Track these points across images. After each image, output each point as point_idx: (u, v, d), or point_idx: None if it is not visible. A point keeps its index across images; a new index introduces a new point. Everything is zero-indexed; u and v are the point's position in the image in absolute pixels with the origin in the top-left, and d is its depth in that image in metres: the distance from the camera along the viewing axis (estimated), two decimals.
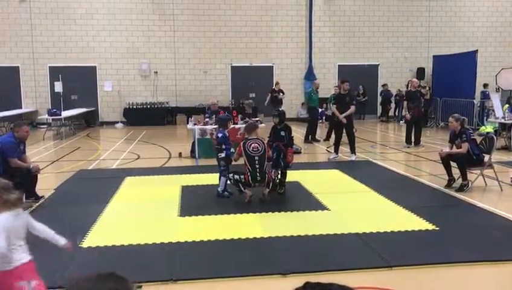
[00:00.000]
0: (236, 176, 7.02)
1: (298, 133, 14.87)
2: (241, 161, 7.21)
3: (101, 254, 5.05)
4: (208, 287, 4.30)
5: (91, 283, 1.45)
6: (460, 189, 7.64)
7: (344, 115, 10.67)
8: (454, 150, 7.79)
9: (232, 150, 7.68)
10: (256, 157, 6.91)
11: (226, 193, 7.36)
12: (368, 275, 4.34)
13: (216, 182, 7.58)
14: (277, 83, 18.19)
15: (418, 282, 4.41)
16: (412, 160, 11.10)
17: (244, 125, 11.15)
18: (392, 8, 21.24)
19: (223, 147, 7.40)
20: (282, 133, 7.59)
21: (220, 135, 7.58)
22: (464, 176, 7.70)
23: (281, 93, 17.44)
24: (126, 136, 16.12)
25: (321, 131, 15.98)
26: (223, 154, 7.36)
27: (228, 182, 7.22)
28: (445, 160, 7.85)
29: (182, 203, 7.02)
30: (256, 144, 7.01)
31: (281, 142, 7.54)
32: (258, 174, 6.90)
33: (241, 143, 7.16)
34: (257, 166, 6.89)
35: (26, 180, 6.82)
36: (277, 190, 7.47)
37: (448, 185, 7.85)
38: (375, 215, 6.38)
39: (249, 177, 6.92)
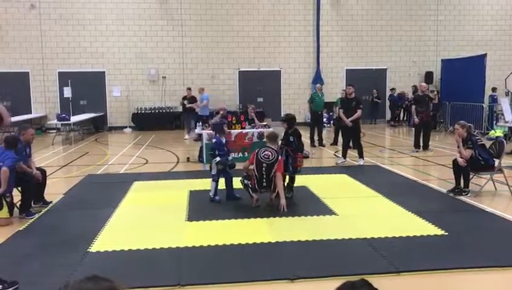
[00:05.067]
0: (246, 181, 7.04)
1: (306, 137, 14.84)
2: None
3: (109, 258, 5.07)
4: None
5: (89, 283, 1.46)
6: (459, 193, 7.59)
7: (351, 119, 10.65)
8: (461, 153, 7.69)
9: (233, 155, 7.64)
10: (264, 165, 6.89)
11: (216, 197, 7.38)
12: (376, 280, 4.29)
13: (224, 186, 7.58)
14: (189, 89, 17.42)
15: (426, 288, 4.38)
16: (421, 164, 11.04)
17: (251, 130, 11.23)
18: (400, 12, 21.19)
19: (216, 152, 7.42)
20: (291, 138, 7.58)
21: (214, 140, 7.66)
22: (466, 183, 7.64)
23: (194, 102, 16.53)
24: (134, 141, 16.19)
25: (328, 135, 15.94)
26: (218, 159, 7.37)
27: (240, 185, 7.20)
28: (456, 166, 7.75)
29: (190, 208, 7.03)
30: (268, 152, 6.96)
31: (289, 147, 7.54)
32: (264, 180, 6.91)
33: (256, 151, 7.14)
34: (264, 173, 6.89)
35: (31, 186, 6.87)
36: (285, 194, 7.46)
37: (452, 190, 7.78)
38: (383, 220, 6.34)
39: (255, 182, 6.93)
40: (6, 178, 6.27)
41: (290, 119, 7.82)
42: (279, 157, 7.04)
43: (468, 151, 7.55)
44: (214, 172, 7.45)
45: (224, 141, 7.63)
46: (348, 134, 11.01)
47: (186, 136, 16.44)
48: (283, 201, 6.81)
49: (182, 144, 15.32)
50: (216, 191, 7.40)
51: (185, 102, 16.71)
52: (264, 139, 7.61)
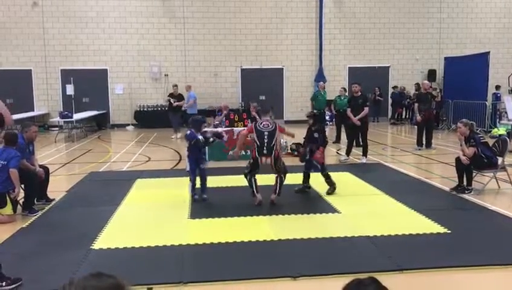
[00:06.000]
0: (247, 170, 7.02)
1: None
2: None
3: (111, 256, 5.07)
4: None
5: (93, 280, 1.46)
6: (462, 191, 7.58)
7: (358, 117, 10.63)
8: (464, 150, 7.68)
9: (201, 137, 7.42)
10: (266, 133, 6.94)
11: (196, 196, 7.32)
12: (379, 278, 4.30)
13: (226, 184, 7.58)
14: (175, 86, 16.57)
15: (429, 286, 4.37)
16: (423, 162, 11.02)
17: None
18: (403, 9, 21.13)
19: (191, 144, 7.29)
20: (316, 135, 7.63)
21: (188, 132, 7.46)
22: (469, 181, 7.62)
23: (181, 100, 15.86)
24: (137, 139, 16.20)
25: (331, 133, 15.91)
26: (200, 137, 7.22)
27: (246, 183, 7.13)
28: (459, 164, 7.73)
29: (193, 206, 7.03)
30: (266, 122, 7.08)
31: (314, 145, 7.57)
32: (265, 148, 6.90)
33: (253, 124, 7.17)
34: (265, 140, 6.91)
35: (35, 183, 6.88)
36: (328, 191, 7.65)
37: (455, 188, 7.76)
38: (386, 218, 6.34)
39: (256, 151, 6.89)
40: (18, 178, 6.32)
41: (315, 115, 7.89)
42: (277, 125, 7.13)
43: (471, 149, 7.53)
44: (188, 168, 7.39)
45: (199, 137, 7.29)
46: (355, 132, 10.99)
47: (174, 136, 15.81)
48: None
49: (184, 141, 15.26)
50: (193, 189, 7.33)
51: (171, 100, 16.07)
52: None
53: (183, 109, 15.99)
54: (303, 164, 7.87)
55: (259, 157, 6.92)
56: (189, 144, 7.37)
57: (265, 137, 6.93)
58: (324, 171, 7.70)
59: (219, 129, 11.29)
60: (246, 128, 7.42)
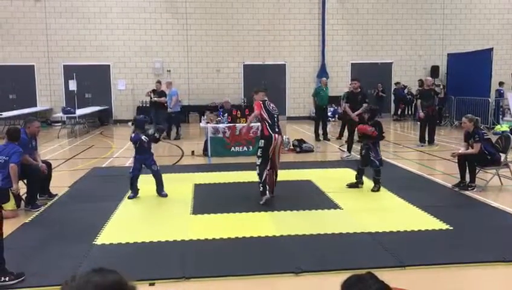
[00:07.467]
0: (259, 153, 6.90)
1: (310, 132, 14.82)
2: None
3: (114, 251, 5.09)
4: (220, 285, 4.30)
5: (95, 276, 1.46)
6: (465, 188, 7.56)
7: (356, 113, 10.63)
8: (468, 150, 7.69)
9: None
10: (275, 115, 7.01)
11: (131, 194, 7.30)
12: (381, 274, 4.28)
13: (228, 180, 7.57)
14: (158, 82, 15.46)
15: (431, 282, 4.37)
16: (426, 159, 11.00)
17: (256, 124, 11.22)
18: (406, 5, 21.05)
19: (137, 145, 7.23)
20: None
21: (132, 135, 7.33)
22: (472, 177, 7.60)
23: (163, 97, 14.71)
24: None
25: (333, 129, 15.91)
26: (148, 132, 7.17)
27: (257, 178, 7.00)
28: (462, 161, 7.73)
29: (195, 201, 7.05)
30: (274, 106, 7.14)
31: (369, 141, 7.57)
32: (276, 126, 6.94)
33: (259, 104, 7.00)
34: (276, 121, 6.96)
35: (38, 178, 6.90)
36: (372, 188, 7.60)
37: (457, 185, 7.74)
38: (388, 214, 6.34)
39: (269, 129, 6.85)
40: (16, 174, 6.33)
41: (372, 110, 7.97)
42: None
43: (476, 144, 7.51)
44: (131, 170, 7.33)
45: (142, 137, 7.19)
46: (353, 128, 10.98)
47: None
48: None
49: (186, 138, 15.29)
50: (133, 189, 7.29)
51: (151, 95, 15.05)
52: (255, 95, 7.30)
53: (169, 109, 14.79)
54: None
55: (272, 132, 6.86)
56: (135, 146, 7.31)
57: (275, 119, 6.98)
58: (380, 166, 7.66)
59: (221, 125, 11.30)
60: (255, 111, 7.19)
